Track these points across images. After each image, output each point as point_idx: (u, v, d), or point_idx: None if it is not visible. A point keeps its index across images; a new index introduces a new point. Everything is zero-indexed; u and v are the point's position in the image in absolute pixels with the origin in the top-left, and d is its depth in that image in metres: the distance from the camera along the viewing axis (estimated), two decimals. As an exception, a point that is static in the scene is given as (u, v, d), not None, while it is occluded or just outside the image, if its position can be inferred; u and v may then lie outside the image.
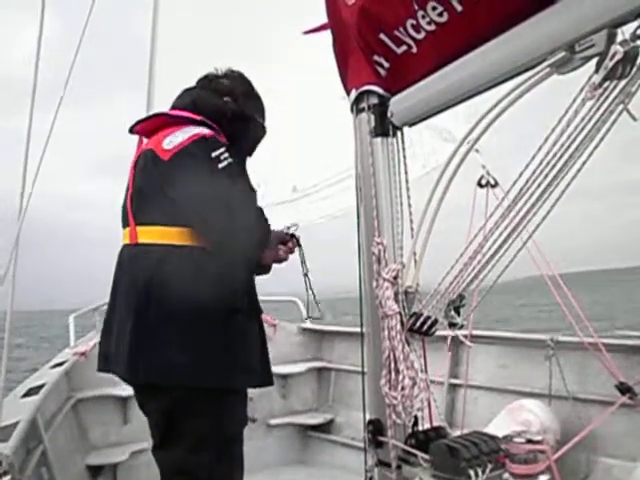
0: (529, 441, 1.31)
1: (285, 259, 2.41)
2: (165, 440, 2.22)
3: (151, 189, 2.19)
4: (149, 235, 2.17)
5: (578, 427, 3.53)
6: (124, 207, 2.29)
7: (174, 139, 2.16)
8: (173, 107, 2.41)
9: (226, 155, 2.13)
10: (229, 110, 2.39)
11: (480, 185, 3.93)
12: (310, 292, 2.53)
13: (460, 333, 4.05)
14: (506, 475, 1.30)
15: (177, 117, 2.29)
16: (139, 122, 2.38)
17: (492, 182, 3.89)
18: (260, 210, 2.20)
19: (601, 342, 3.65)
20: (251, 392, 4.42)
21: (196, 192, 2.08)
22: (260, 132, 2.53)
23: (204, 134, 2.17)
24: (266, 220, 2.22)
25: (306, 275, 2.54)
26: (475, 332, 4.32)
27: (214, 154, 2.11)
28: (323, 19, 1.85)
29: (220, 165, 2.10)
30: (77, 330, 5.05)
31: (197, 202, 2.08)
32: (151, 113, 2.47)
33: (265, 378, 2.32)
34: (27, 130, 2.62)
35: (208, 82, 2.48)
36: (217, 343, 2.11)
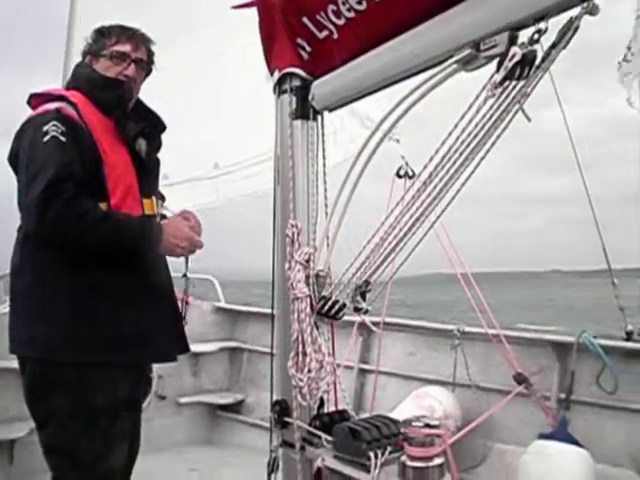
0: (427, 425, 1.35)
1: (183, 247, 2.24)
2: (34, 418, 2.21)
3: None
4: None
5: (478, 414, 3.67)
6: None
7: None
8: None
9: (54, 129, 2.10)
10: (82, 76, 2.36)
11: (398, 176, 4.02)
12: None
13: (372, 320, 4.13)
14: (404, 457, 1.33)
15: (42, 95, 2.30)
16: (30, 98, 2.35)
17: (410, 173, 3.99)
18: (60, 188, 2.02)
19: (502, 334, 3.81)
20: (160, 369, 4.37)
21: (19, 166, 2.16)
22: (110, 89, 2.29)
23: (46, 109, 2.19)
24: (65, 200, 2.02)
25: (185, 275, 2.58)
26: (387, 319, 4.41)
27: (44, 128, 2.11)
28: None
29: (44, 139, 2.09)
30: None
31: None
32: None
33: (147, 354, 2.30)
34: None
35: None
36: (74, 316, 2.13)
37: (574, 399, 3.65)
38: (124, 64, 2.33)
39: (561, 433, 3.39)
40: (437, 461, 1.31)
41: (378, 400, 4.48)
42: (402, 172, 4.04)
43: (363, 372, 4.77)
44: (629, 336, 3.90)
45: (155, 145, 2.47)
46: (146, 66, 2.43)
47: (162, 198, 2.50)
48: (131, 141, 2.30)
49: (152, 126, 2.45)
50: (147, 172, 2.36)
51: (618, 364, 3.52)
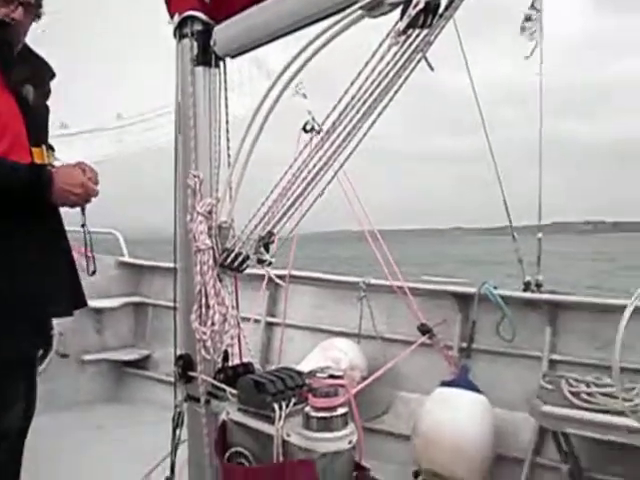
0: (331, 376, 1.36)
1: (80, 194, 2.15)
2: None
3: None
4: None
5: (384, 364, 3.77)
6: None
7: None
8: None
9: None
10: None
11: (305, 130, 4.02)
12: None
13: (278, 273, 4.13)
14: (308, 408, 1.34)
15: None
16: None
17: (317, 128, 3.98)
18: None
19: (407, 286, 3.90)
20: (61, 326, 4.21)
21: None
22: None
23: None
24: None
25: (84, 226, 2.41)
26: (293, 273, 4.43)
27: None
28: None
29: None
30: None
31: None
32: None
33: (38, 308, 2.17)
34: None
35: None
36: None
37: (475, 348, 3.80)
38: (11, 6, 2.17)
39: (462, 380, 3.54)
40: (341, 411, 1.33)
41: (285, 353, 4.53)
42: (309, 127, 4.04)
43: (270, 325, 4.80)
44: (527, 286, 4.09)
45: (43, 92, 2.33)
46: (34, 10, 2.27)
47: (51, 148, 2.37)
48: (18, 87, 2.17)
49: (40, 72, 2.31)
50: (35, 120, 2.24)
51: (517, 313, 3.69)
